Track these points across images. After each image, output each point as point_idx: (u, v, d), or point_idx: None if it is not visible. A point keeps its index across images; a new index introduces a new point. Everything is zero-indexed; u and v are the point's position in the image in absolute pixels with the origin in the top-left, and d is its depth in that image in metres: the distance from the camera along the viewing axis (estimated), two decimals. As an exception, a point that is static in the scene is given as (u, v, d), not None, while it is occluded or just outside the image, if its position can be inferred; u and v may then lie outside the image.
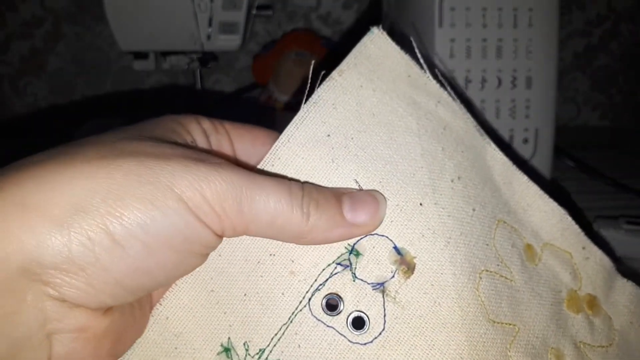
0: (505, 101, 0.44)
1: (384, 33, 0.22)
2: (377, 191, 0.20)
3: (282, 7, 0.82)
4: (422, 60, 0.22)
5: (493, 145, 0.24)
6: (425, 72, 0.23)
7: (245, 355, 0.20)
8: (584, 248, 0.25)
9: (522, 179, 0.24)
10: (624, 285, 0.25)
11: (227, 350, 0.20)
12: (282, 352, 0.20)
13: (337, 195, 0.20)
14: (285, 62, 0.74)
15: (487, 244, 0.22)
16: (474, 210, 0.22)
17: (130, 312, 0.19)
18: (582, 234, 0.25)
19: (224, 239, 0.20)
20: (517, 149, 0.44)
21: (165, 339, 0.20)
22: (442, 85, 0.23)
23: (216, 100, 0.82)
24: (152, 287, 0.18)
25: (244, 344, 0.20)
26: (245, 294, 0.20)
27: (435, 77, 0.23)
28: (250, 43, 0.83)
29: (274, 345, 0.20)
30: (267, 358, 0.20)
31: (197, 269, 0.20)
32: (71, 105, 0.83)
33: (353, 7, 0.84)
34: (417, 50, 0.22)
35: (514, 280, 0.22)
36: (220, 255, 0.20)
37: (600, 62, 0.93)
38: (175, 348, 0.20)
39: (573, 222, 0.25)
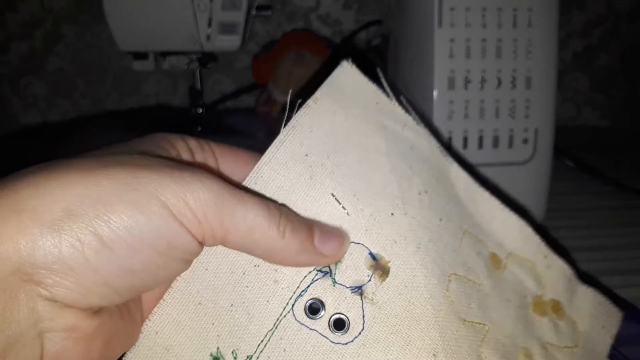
0: (505, 101, 0.44)
1: (354, 66, 0.24)
2: (342, 229, 0.22)
3: (282, 8, 0.82)
4: (388, 89, 0.25)
5: (456, 165, 0.26)
6: (391, 100, 0.25)
7: None
8: (545, 257, 0.27)
9: (484, 194, 0.27)
10: (585, 292, 0.27)
11: (216, 359, 0.21)
12: (269, 357, 0.21)
13: (309, 223, 0.22)
14: (284, 62, 0.74)
15: (455, 251, 0.24)
16: (440, 220, 0.24)
17: (120, 316, 0.20)
18: (543, 244, 0.27)
19: (211, 253, 0.21)
20: (517, 149, 0.44)
21: (156, 353, 0.21)
22: (407, 110, 0.25)
23: (216, 101, 0.82)
24: (139, 288, 0.19)
25: (232, 352, 0.21)
26: (232, 305, 0.21)
27: (400, 103, 0.25)
28: (250, 43, 0.83)
29: (261, 352, 0.21)
30: None
31: (185, 283, 0.21)
32: (71, 106, 0.84)
33: (352, 7, 0.84)
34: (383, 80, 0.25)
35: (482, 285, 0.24)
36: (207, 270, 0.21)
37: (600, 62, 0.93)
38: None
39: (533, 233, 0.27)
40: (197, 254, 0.20)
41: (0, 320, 0.16)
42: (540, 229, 0.27)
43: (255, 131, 0.63)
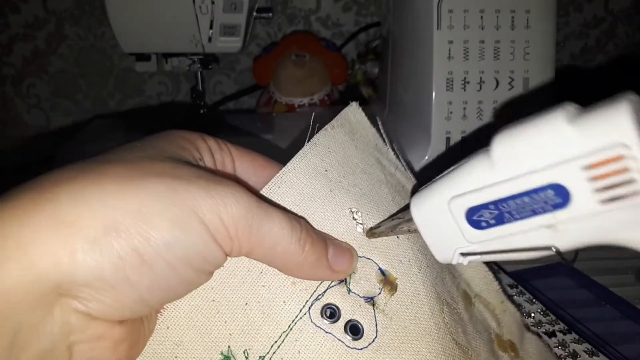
0: (503, 103, 0.44)
1: (359, 108, 0.27)
2: (352, 247, 0.23)
3: (282, 10, 0.83)
4: (384, 136, 0.28)
5: None
6: (387, 145, 0.28)
7: None
8: (502, 302, 0.29)
9: None
10: (530, 338, 0.30)
11: (227, 358, 0.21)
12: (282, 358, 0.21)
13: (324, 238, 0.22)
14: (285, 64, 0.75)
15: (443, 281, 0.26)
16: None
17: (141, 321, 0.20)
18: (501, 291, 0.30)
19: None
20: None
21: (166, 348, 0.21)
22: (397, 157, 0.28)
23: (217, 102, 0.83)
24: (168, 300, 0.20)
25: (244, 352, 0.21)
26: (246, 303, 0.21)
27: (393, 150, 0.28)
28: (251, 45, 0.84)
29: (274, 353, 0.21)
30: None
31: None
32: (73, 106, 0.84)
33: (352, 9, 0.84)
34: (380, 127, 0.27)
35: (462, 315, 0.26)
36: (223, 267, 0.21)
37: (597, 64, 0.94)
38: (176, 357, 0.21)
39: (494, 279, 0.29)
40: (222, 265, 0.21)
41: (35, 334, 0.16)
42: (496, 276, 0.30)
43: (255, 132, 0.64)
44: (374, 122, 0.27)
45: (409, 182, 0.28)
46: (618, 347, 0.32)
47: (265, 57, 0.78)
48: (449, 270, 0.27)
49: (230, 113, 0.83)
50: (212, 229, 0.18)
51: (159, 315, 0.21)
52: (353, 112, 0.27)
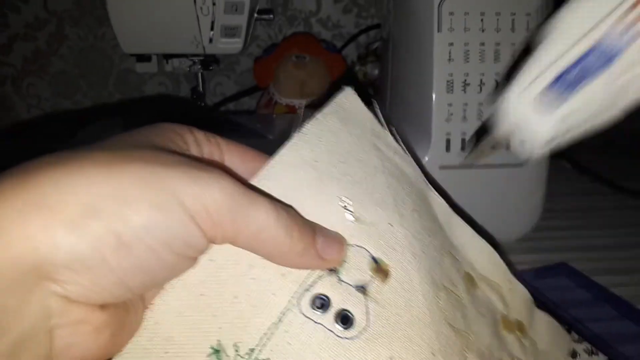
0: (503, 104, 0.45)
1: (354, 92, 0.26)
2: (341, 236, 0.23)
3: (283, 11, 0.83)
4: (382, 120, 0.27)
5: (434, 192, 0.28)
6: (384, 128, 0.27)
7: (235, 356, 0.21)
8: (509, 282, 0.29)
9: (458, 221, 0.29)
10: (541, 316, 0.30)
11: (217, 351, 0.21)
12: (272, 350, 0.21)
13: (313, 227, 0.22)
14: (285, 65, 0.75)
15: (440, 265, 0.26)
16: (429, 237, 0.26)
17: (125, 308, 0.20)
18: (508, 270, 0.29)
19: (216, 245, 0.21)
20: (514, 150, 0.45)
21: (155, 343, 0.21)
22: (396, 140, 0.28)
23: (217, 103, 0.83)
24: (150, 286, 0.20)
25: (234, 345, 0.21)
26: (235, 297, 0.21)
27: (391, 133, 0.27)
28: (252, 46, 0.84)
29: (264, 345, 0.21)
30: (256, 357, 0.21)
31: (187, 274, 0.21)
32: (74, 107, 0.84)
33: (352, 11, 0.85)
34: (378, 111, 0.27)
35: (462, 299, 0.26)
36: (211, 260, 0.21)
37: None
38: (166, 352, 0.21)
39: (500, 259, 0.29)
40: (204, 251, 0.21)
41: (14, 317, 0.16)
42: (503, 255, 0.30)
43: (256, 133, 0.64)
44: (374, 107, 0.27)
45: (409, 166, 0.28)
46: (617, 347, 0.32)
47: (265, 58, 0.78)
48: (450, 253, 0.27)
49: (230, 114, 0.83)
50: (194, 213, 0.18)
51: (147, 310, 0.21)
52: (347, 98, 0.26)
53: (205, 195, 0.18)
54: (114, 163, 0.18)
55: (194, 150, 0.23)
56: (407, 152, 0.28)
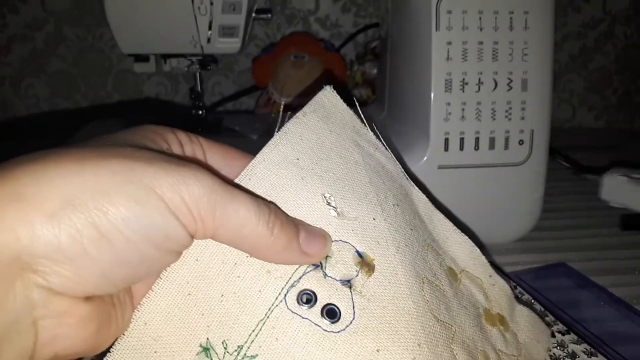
0: (501, 103, 0.45)
1: (334, 91, 0.27)
2: (325, 231, 0.23)
3: (281, 11, 0.83)
4: (362, 117, 0.28)
5: (416, 188, 0.29)
6: (365, 125, 0.28)
7: (224, 354, 0.21)
8: (490, 276, 0.30)
9: (439, 216, 0.29)
10: (521, 310, 0.30)
11: (206, 350, 0.21)
12: (260, 346, 0.21)
13: (296, 223, 0.22)
14: (283, 65, 0.75)
15: (424, 259, 0.26)
16: (411, 230, 0.26)
17: (111, 303, 0.20)
18: (488, 264, 0.30)
19: (201, 244, 0.22)
20: (513, 150, 0.45)
21: (144, 344, 0.21)
22: (377, 137, 0.28)
23: (216, 102, 0.83)
24: (133, 279, 0.20)
25: (223, 343, 0.21)
26: (222, 295, 0.22)
27: (372, 130, 0.28)
28: (250, 46, 0.84)
29: (252, 341, 0.21)
30: (245, 354, 0.21)
31: (174, 274, 0.21)
32: (72, 107, 0.84)
33: (351, 10, 0.85)
34: (359, 109, 0.27)
35: (446, 291, 0.26)
36: (197, 260, 0.22)
37: (595, 64, 0.94)
38: (155, 352, 0.21)
39: (480, 254, 0.30)
40: (188, 246, 0.21)
41: None
42: (483, 249, 0.30)
43: (254, 133, 0.64)
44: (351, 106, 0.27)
45: (390, 161, 0.28)
46: (617, 347, 0.32)
47: (264, 57, 0.78)
48: (432, 247, 0.27)
49: (229, 114, 0.83)
50: (173, 206, 0.18)
51: (135, 311, 0.21)
52: (327, 97, 0.27)
53: (181, 187, 0.19)
54: (92, 159, 0.18)
55: (176, 150, 0.23)
56: (387, 148, 0.28)
